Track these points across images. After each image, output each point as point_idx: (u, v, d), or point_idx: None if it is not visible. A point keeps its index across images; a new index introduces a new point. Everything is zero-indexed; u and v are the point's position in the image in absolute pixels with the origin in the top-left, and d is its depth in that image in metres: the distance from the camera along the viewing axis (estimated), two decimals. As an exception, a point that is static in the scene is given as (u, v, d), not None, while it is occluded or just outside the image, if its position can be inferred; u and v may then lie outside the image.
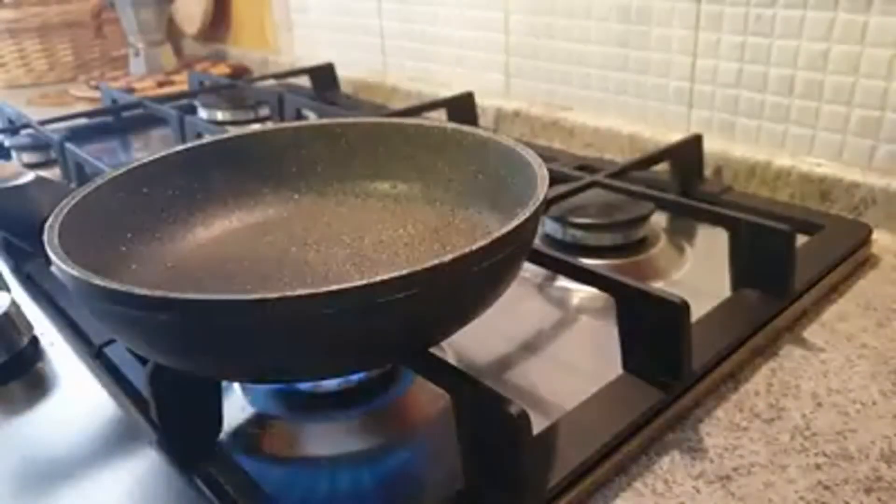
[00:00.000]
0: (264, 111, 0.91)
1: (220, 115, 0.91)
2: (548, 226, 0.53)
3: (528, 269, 0.48)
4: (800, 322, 0.43)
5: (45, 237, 0.31)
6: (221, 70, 1.18)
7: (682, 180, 0.60)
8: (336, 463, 0.33)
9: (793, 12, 0.56)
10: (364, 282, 0.25)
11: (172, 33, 1.32)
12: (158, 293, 0.26)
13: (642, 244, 0.52)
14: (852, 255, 0.48)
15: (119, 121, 0.91)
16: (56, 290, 0.48)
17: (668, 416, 0.35)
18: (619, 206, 0.53)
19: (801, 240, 0.48)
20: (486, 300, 0.32)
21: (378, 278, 0.25)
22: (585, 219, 0.52)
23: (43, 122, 0.78)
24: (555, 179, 0.49)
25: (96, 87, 1.07)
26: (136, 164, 0.40)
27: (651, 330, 0.36)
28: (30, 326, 0.43)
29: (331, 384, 0.37)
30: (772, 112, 0.60)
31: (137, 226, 0.38)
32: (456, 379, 0.30)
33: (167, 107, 0.82)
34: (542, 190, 0.33)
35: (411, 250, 0.39)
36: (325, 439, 0.35)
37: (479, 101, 0.80)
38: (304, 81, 0.99)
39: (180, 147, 0.42)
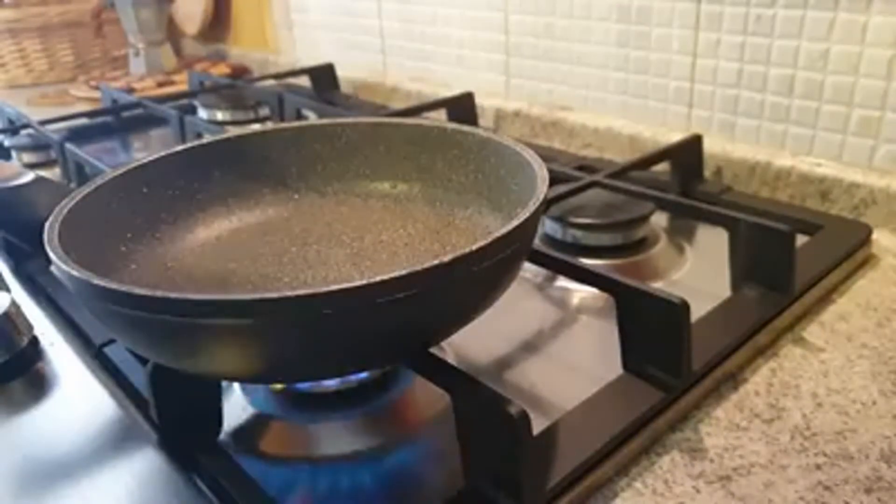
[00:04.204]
0: (264, 111, 0.91)
1: (220, 115, 0.91)
2: (548, 226, 0.53)
3: (528, 269, 0.48)
4: (800, 322, 0.43)
5: (45, 237, 0.31)
6: (221, 70, 1.18)
7: (682, 180, 0.60)
8: (336, 463, 0.33)
9: (793, 12, 0.56)
10: (364, 282, 0.25)
11: (172, 33, 1.32)
12: (158, 293, 0.26)
13: (642, 244, 0.52)
14: (852, 255, 0.48)
15: (119, 121, 0.91)
16: (56, 290, 0.48)
17: (668, 416, 0.35)
18: (619, 206, 0.53)
19: (801, 240, 0.48)
20: (486, 300, 0.32)
21: (378, 278, 0.25)
22: (585, 219, 0.52)
23: (43, 122, 0.78)
24: (555, 179, 0.49)
25: (96, 87, 1.07)
26: (135, 164, 0.40)
27: (651, 330, 0.36)
28: (30, 326, 0.43)
29: (331, 384, 0.37)
30: (772, 112, 0.60)
31: (137, 226, 0.38)
32: (456, 379, 0.30)
33: (167, 107, 0.82)
34: (542, 190, 0.33)
35: (411, 250, 0.39)
36: (325, 439, 0.35)
37: (479, 101, 0.80)
38: (304, 81, 0.99)
39: (180, 147, 0.42)
